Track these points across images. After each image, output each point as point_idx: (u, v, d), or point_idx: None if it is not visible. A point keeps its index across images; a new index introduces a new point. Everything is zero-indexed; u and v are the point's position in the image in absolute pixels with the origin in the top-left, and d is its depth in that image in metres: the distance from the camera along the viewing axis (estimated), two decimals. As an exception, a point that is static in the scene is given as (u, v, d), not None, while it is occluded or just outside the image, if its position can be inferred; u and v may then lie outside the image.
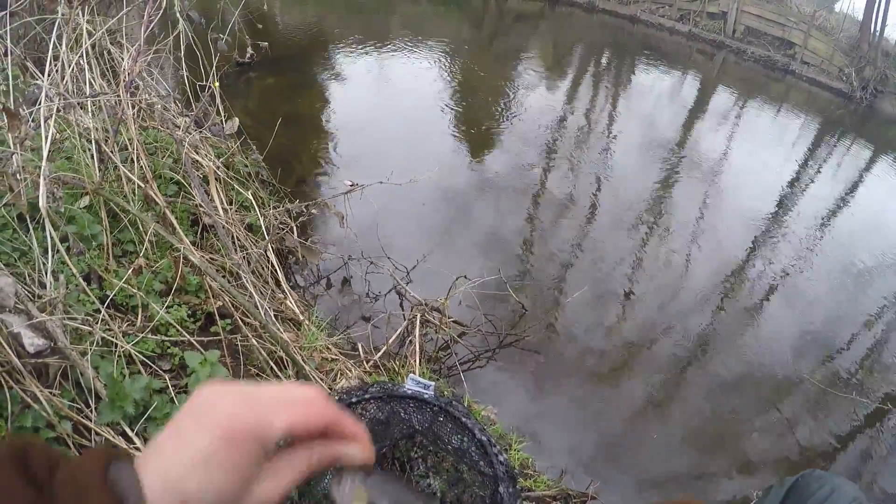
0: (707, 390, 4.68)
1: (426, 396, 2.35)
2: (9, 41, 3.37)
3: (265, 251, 3.84)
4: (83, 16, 3.65)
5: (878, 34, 20.41)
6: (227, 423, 0.54)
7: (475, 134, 8.38)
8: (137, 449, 2.22)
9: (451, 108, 9.18)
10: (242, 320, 2.96)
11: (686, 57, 19.54)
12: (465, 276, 4.21)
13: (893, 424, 4.84)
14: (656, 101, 13.01)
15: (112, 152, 3.24)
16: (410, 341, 3.75)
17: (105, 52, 4.35)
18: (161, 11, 3.85)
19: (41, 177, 2.53)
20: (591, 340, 4.80)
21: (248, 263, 3.57)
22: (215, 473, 0.52)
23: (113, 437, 2.21)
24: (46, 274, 2.46)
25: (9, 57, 3.32)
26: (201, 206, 3.58)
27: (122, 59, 4.08)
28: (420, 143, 7.58)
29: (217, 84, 4.36)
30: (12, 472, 0.49)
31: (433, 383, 2.38)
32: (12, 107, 2.94)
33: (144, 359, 2.53)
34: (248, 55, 7.71)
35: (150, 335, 2.65)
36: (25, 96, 3.36)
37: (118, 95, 3.44)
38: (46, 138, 2.67)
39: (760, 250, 7.03)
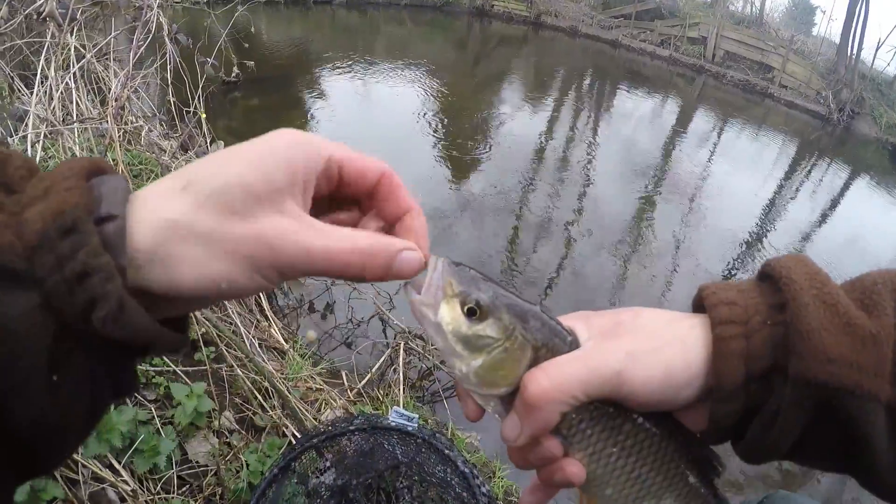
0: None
1: (410, 429, 2.37)
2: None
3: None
4: (72, 37, 3.66)
5: (854, 57, 20.87)
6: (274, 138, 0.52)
7: (458, 155, 8.44)
8: (125, 482, 2.21)
9: (435, 130, 9.24)
10: (227, 349, 2.96)
11: (667, 81, 19.82)
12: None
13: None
14: (637, 125, 13.19)
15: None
16: (395, 369, 3.76)
17: (93, 74, 4.35)
18: (150, 36, 3.86)
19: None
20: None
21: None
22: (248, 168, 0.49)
23: (101, 469, 2.20)
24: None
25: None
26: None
27: (110, 78, 4.08)
28: (402, 165, 7.61)
29: (204, 115, 4.36)
30: None
31: (416, 416, 2.40)
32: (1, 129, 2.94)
33: (129, 389, 2.52)
34: (234, 74, 7.73)
35: (134, 364, 2.64)
36: (10, 113, 3.35)
37: (105, 120, 3.44)
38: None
39: (738, 270, 7.13)
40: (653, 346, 0.58)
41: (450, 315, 0.56)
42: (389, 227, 0.58)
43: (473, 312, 0.56)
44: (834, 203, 11.26)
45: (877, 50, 21.45)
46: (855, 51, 21.04)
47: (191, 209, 0.47)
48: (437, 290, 0.57)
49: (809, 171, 13.30)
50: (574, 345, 0.59)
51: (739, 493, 4.09)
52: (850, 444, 0.55)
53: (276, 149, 0.50)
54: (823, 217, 10.24)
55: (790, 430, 0.55)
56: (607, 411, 0.59)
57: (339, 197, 0.58)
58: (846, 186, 12.94)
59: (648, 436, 0.60)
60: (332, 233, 0.51)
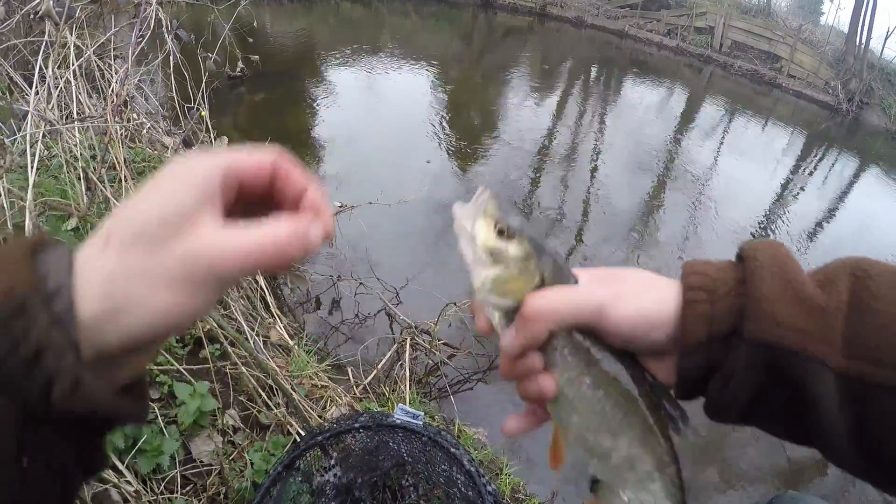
0: (698, 404, 4.69)
1: (415, 426, 2.35)
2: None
3: (254, 276, 3.82)
4: (71, 34, 3.64)
5: (863, 46, 20.72)
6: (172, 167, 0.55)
7: (463, 147, 8.41)
8: (129, 483, 2.20)
9: (440, 122, 9.22)
10: (231, 347, 2.94)
11: (674, 71, 19.71)
12: (455, 304, 4.19)
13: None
14: (644, 115, 13.12)
15: (99, 177, 3.22)
16: (401, 365, 3.74)
17: (93, 71, 4.33)
18: (150, 31, 3.84)
19: (27, 205, 2.51)
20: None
21: (238, 289, 3.55)
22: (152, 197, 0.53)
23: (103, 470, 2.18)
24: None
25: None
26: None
27: (111, 75, 4.06)
28: (409, 158, 7.60)
29: (206, 112, 4.34)
30: None
31: (422, 413, 2.39)
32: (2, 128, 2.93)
33: (132, 388, 2.51)
34: (238, 69, 7.72)
35: (138, 363, 2.63)
36: (11, 113, 3.34)
37: (105, 118, 3.42)
38: (32, 164, 2.65)
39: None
40: (634, 292, 0.68)
41: (484, 230, 0.68)
42: (297, 207, 0.63)
43: (502, 232, 0.67)
44: (843, 194, 11.19)
45: (886, 39, 21.32)
46: (864, 40, 20.89)
47: (120, 256, 0.50)
48: (478, 209, 0.68)
49: (818, 162, 13.22)
50: (574, 283, 0.70)
51: (747, 489, 4.07)
52: (801, 407, 0.61)
53: (174, 177, 0.54)
54: (832, 208, 10.17)
55: (744, 388, 0.63)
56: (588, 345, 0.68)
57: (254, 198, 0.62)
58: (855, 177, 12.86)
59: (619, 374, 0.68)
60: (254, 229, 0.54)
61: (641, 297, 0.67)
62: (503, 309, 0.68)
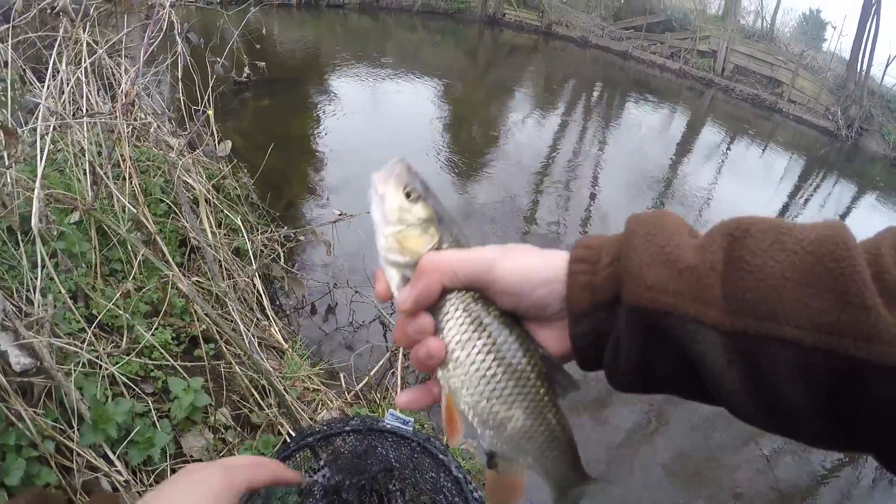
0: (690, 425, 4.73)
1: (405, 432, 2.38)
2: (10, 55, 3.40)
3: (252, 278, 3.87)
4: (84, 32, 3.69)
5: (864, 73, 20.80)
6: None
7: (466, 162, 8.46)
8: (119, 473, 2.23)
9: (443, 136, 9.28)
10: (226, 346, 2.98)
11: (676, 93, 19.81)
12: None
13: (873, 462, 4.90)
14: (646, 136, 13.19)
15: (105, 173, 3.27)
16: (393, 373, 3.77)
17: (104, 69, 4.39)
18: (162, 33, 3.89)
19: (35, 199, 2.55)
20: (576, 369, 4.82)
21: (235, 290, 3.59)
22: None
23: (95, 459, 2.22)
24: (34, 290, 2.48)
25: (8, 70, 3.36)
26: (190, 229, 3.61)
27: (120, 74, 4.12)
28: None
29: (211, 112, 4.40)
30: None
31: (412, 419, 2.41)
32: (10, 122, 2.98)
33: (128, 381, 2.54)
34: (245, 75, 7.78)
35: (133, 358, 2.67)
36: (21, 105, 3.39)
37: (114, 116, 3.47)
38: (41, 157, 2.70)
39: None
40: (522, 253, 0.72)
41: (393, 191, 0.73)
42: None
43: (409, 195, 0.73)
44: (841, 219, 11.22)
45: (887, 66, 21.36)
46: (865, 67, 20.99)
47: None
48: (391, 174, 0.74)
49: (817, 187, 13.28)
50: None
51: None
52: (691, 367, 0.63)
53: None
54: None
55: (631, 353, 0.65)
56: (478, 308, 0.71)
57: None
58: (853, 203, 12.92)
59: (509, 340, 0.71)
60: None
61: (529, 257, 0.71)
62: (401, 266, 0.72)
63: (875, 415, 0.55)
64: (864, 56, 20.97)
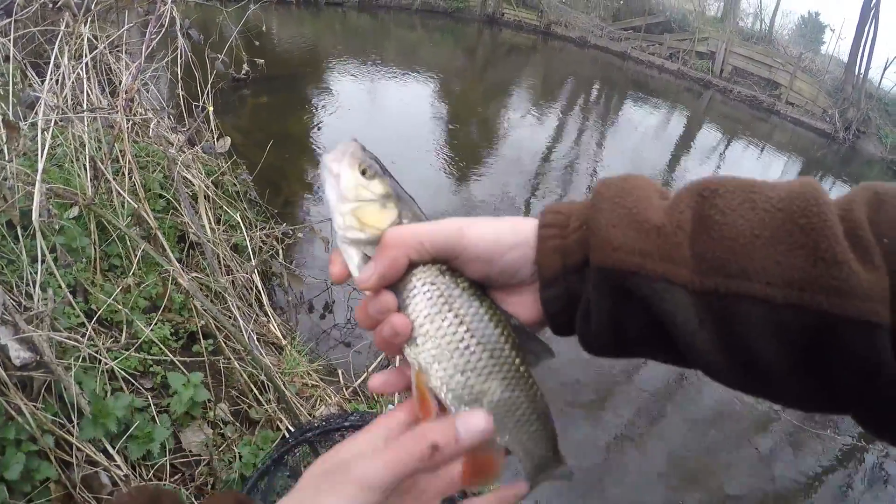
0: (687, 425, 4.74)
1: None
2: (12, 48, 3.40)
3: (251, 274, 3.87)
4: (86, 27, 3.69)
5: (862, 76, 20.83)
6: None
7: (464, 160, 8.47)
8: (118, 467, 2.23)
9: (441, 135, 9.28)
10: (225, 342, 2.99)
11: (674, 94, 19.83)
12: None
13: (870, 462, 4.93)
14: (643, 137, 13.20)
15: (105, 167, 3.27)
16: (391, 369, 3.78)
17: (104, 64, 4.39)
18: (163, 29, 3.89)
19: (36, 192, 2.56)
20: (572, 371, 4.83)
21: (234, 286, 3.60)
22: None
23: (94, 453, 2.22)
24: (34, 285, 2.48)
25: (10, 63, 3.36)
26: (190, 224, 3.62)
27: (121, 70, 4.12)
28: (408, 169, 7.64)
29: (212, 108, 4.40)
30: None
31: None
32: (11, 116, 2.98)
33: (127, 376, 2.55)
34: (243, 72, 7.76)
35: (133, 353, 2.67)
36: (21, 100, 3.38)
37: (115, 111, 3.47)
38: (42, 151, 2.70)
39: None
40: (489, 220, 0.71)
41: (348, 169, 0.71)
42: None
43: (365, 173, 0.71)
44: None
45: (885, 70, 21.43)
46: (863, 70, 21.03)
47: None
48: (345, 152, 0.71)
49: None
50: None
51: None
52: (660, 328, 0.63)
53: None
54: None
55: (601, 315, 0.65)
56: (447, 280, 0.70)
57: None
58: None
59: (480, 311, 0.69)
60: None
61: (496, 223, 0.71)
62: (361, 243, 0.70)
63: (849, 371, 0.55)
64: (862, 59, 21.03)
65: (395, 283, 0.69)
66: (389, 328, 0.67)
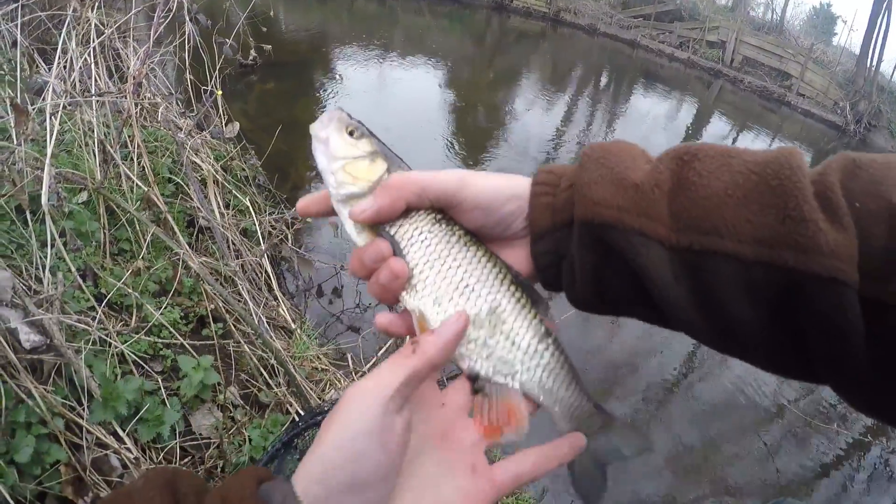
0: (692, 415, 4.73)
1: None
2: (19, 33, 3.39)
3: (260, 258, 3.87)
4: (93, 13, 3.68)
5: (873, 69, 20.69)
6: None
7: (471, 147, 8.44)
8: (129, 450, 2.24)
9: (448, 122, 9.24)
10: (235, 325, 2.98)
11: (684, 83, 19.70)
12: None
13: (875, 456, 4.91)
14: (652, 126, 13.14)
15: (114, 151, 3.27)
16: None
17: (112, 49, 4.38)
18: (170, 14, 3.88)
19: (45, 174, 2.55)
20: (576, 360, 4.81)
21: (244, 270, 3.59)
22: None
23: (104, 436, 2.23)
24: (44, 269, 2.48)
25: (18, 49, 3.35)
26: (199, 208, 3.61)
27: (129, 56, 4.11)
28: (415, 155, 7.61)
29: (220, 92, 4.38)
30: (164, 499, 0.54)
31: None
32: (19, 100, 2.97)
33: (137, 359, 2.55)
34: (251, 58, 7.75)
35: (143, 336, 2.67)
36: (29, 86, 3.38)
37: (123, 95, 3.46)
38: (51, 135, 2.69)
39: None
40: (487, 174, 0.74)
41: (336, 133, 0.74)
42: None
43: (352, 133, 0.75)
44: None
45: (897, 63, 21.29)
46: (875, 62, 20.90)
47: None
48: (331, 119, 0.75)
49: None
50: None
51: (742, 500, 4.10)
52: (639, 282, 0.65)
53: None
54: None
55: (585, 269, 0.69)
56: (445, 229, 0.73)
57: None
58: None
59: (479, 253, 0.73)
60: None
61: (495, 176, 0.74)
62: (356, 197, 0.72)
63: (818, 329, 0.57)
64: (874, 51, 20.88)
65: (393, 235, 0.72)
66: (387, 272, 0.70)
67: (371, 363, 3.64)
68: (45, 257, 2.51)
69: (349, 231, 0.73)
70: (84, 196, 3.17)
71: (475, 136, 8.98)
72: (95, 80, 3.71)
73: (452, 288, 0.71)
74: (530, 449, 0.73)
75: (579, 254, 0.68)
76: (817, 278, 0.55)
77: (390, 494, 0.63)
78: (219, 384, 2.67)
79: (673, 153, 0.67)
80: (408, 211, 0.72)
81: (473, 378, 0.73)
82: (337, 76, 10.26)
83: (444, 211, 0.73)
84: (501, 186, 0.73)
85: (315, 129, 0.76)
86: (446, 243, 0.72)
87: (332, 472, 0.58)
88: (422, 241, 0.72)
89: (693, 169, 0.63)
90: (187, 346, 2.74)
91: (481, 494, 0.68)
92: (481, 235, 0.74)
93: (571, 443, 0.74)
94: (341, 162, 0.73)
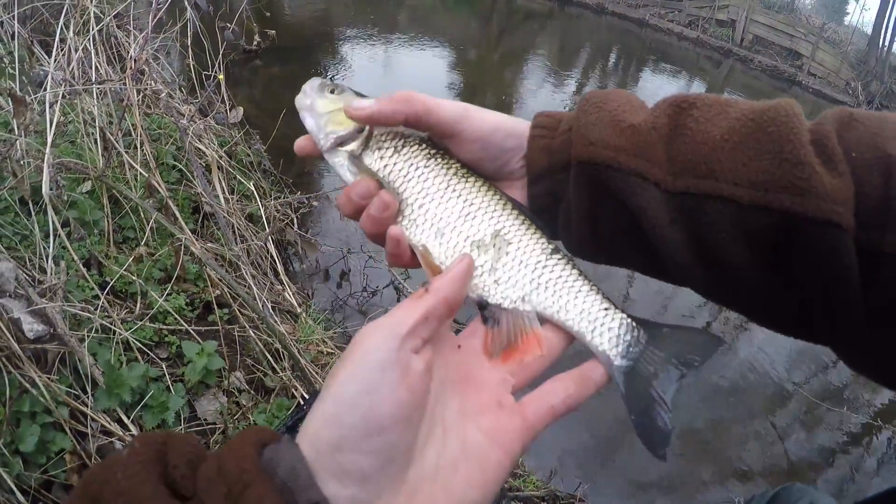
0: (700, 397, 4.71)
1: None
2: (16, 23, 3.38)
3: (265, 242, 3.86)
4: (91, 1, 3.66)
5: (886, 49, 20.41)
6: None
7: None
8: (133, 436, 2.24)
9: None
10: (240, 311, 2.98)
11: (693, 63, 19.50)
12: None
13: (882, 440, 4.88)
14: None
15: (116, 139, 3.26)
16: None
17: (112, 37, 4.36)
18: (169, 0, 3.85)
19: (45, 164, 2.55)
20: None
21: (248, 254, 3.59)
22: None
23: (109, 423, 2.23)
24: (47, 259, 2.48)
25: (16, 40, 3.34)
26: (203, 194, 3.60)
27: (129, 43, 4.09)
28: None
29: (222, 77, 4.36)
30: (155, 482, 0.45)
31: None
32: (18, 91, 2.96)
33: (142, 346, 2.55)
34: (255, 43, 7.71)
35: (147, 323, 2.67)
36: (31, 78, 3.37)
37: (124, 83, 3.45)
38: (51, 124, 2.69)
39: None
40: (494, 111, 0.75)
41: (318, 94, 0.79)
42: None
43: (333, 91, 0.79)
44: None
45: (909, 44, 20.96)
46: (887, 43, 20.61)
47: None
48: (311, 86, 0.80)
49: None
50: None
51: (746, 485, 4.09)
52: (635, 227, 0.66)
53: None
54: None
55: (580, 210, 0.69)
56: (441, 162, 0.74)
57: None
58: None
59: (478, 183, 0.74)
60: None
61: (498, 114, 0.75)
62: (345, 140, 0.75)
63: (813, 274, 0.57)
64: (886, 31, 20.58)
65: (389, 174, 0.73)
66: (378, 204, 0.70)
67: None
68: (48, 247, 2.51)
69: (343, 174, 0.75)
70: (88, 185, 3.17)
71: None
72: (96, 69, 3.70)
73: (455, 217, 0.72)
74: (559, 376, 0.67)
75: (575, 194, 0.69)
76: (813, 221, 0.55)
77: (412, 447, 0.55)
78: (224, 369, 2.68)
79: (671, 100, 0.67)
80: (401, 147, 0.74)
81: (483, 306, 0.71)
82: (342, 59, 10.21)
83: (438, 146, 0.75)
84: (502, 123, 0.74)
85: (299, 100, 0.80)
86: (444, 176, 0.73)
87: (345, 410, 0.51)
88: (419, 176, 0.73)
89: (691, 115, 0.64)
90: (192, 332, 2.74)
91: (513, 434, 0.62)
92: (478, 171, 0.75)
93: (603, 369, 0.69)
94: (327, 116, 0.76)
